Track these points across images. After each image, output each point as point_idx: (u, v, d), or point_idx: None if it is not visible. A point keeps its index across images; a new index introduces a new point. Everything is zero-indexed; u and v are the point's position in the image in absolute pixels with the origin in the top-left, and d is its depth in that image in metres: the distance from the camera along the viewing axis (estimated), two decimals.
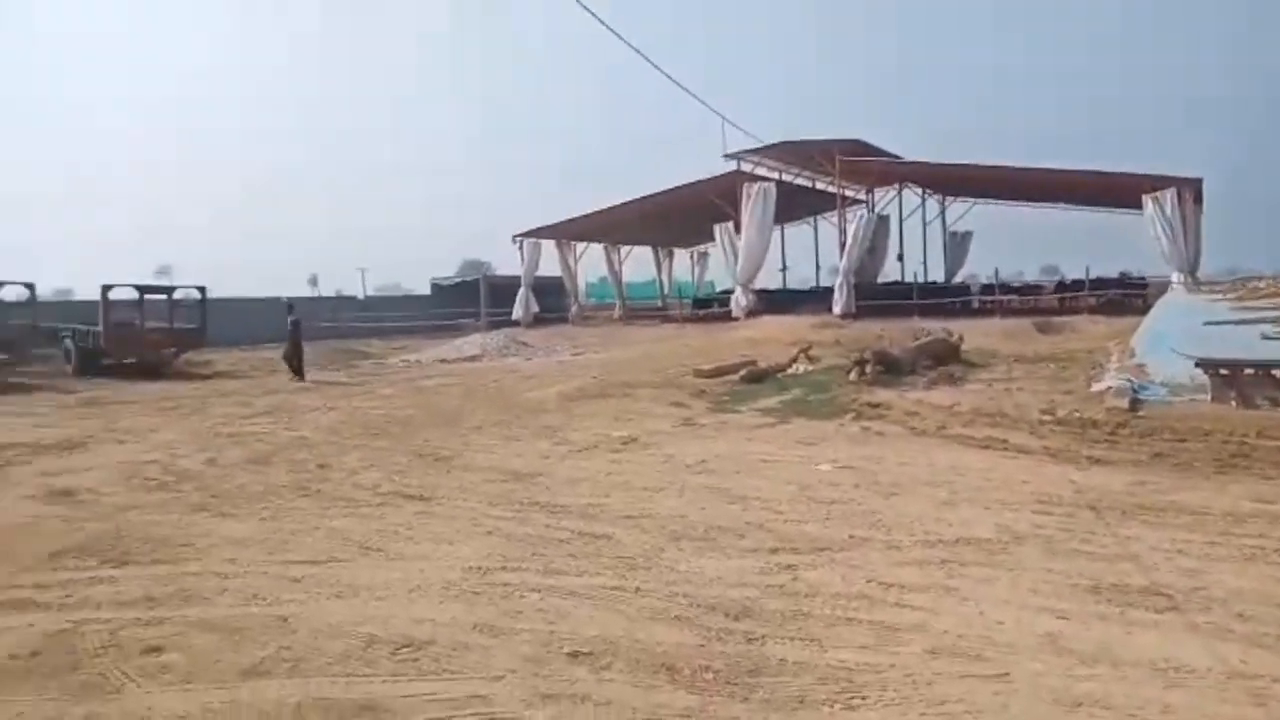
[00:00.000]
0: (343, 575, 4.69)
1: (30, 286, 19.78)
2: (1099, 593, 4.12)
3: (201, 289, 21.41)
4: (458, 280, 46.99)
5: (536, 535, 5.48)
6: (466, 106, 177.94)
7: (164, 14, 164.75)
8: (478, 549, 5.18)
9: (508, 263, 40.68)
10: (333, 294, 61.52)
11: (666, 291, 43.97)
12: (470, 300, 39.82)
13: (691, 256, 45.71)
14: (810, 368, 15.33)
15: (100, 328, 18.90)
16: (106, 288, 19.19)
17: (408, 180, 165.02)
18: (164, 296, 21.09)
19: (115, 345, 19.30)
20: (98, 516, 6.24)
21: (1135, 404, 9.30)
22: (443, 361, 21.42)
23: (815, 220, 41.42)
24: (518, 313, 35.16)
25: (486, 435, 9.69)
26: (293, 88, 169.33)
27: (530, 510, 6.15)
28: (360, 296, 52.10)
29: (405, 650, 3.67)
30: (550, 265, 37.12)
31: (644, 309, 41.14)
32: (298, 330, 17.78)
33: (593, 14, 15.04)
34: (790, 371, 15.16)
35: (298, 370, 17.49)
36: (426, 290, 46.57)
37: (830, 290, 30.84)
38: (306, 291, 66.47)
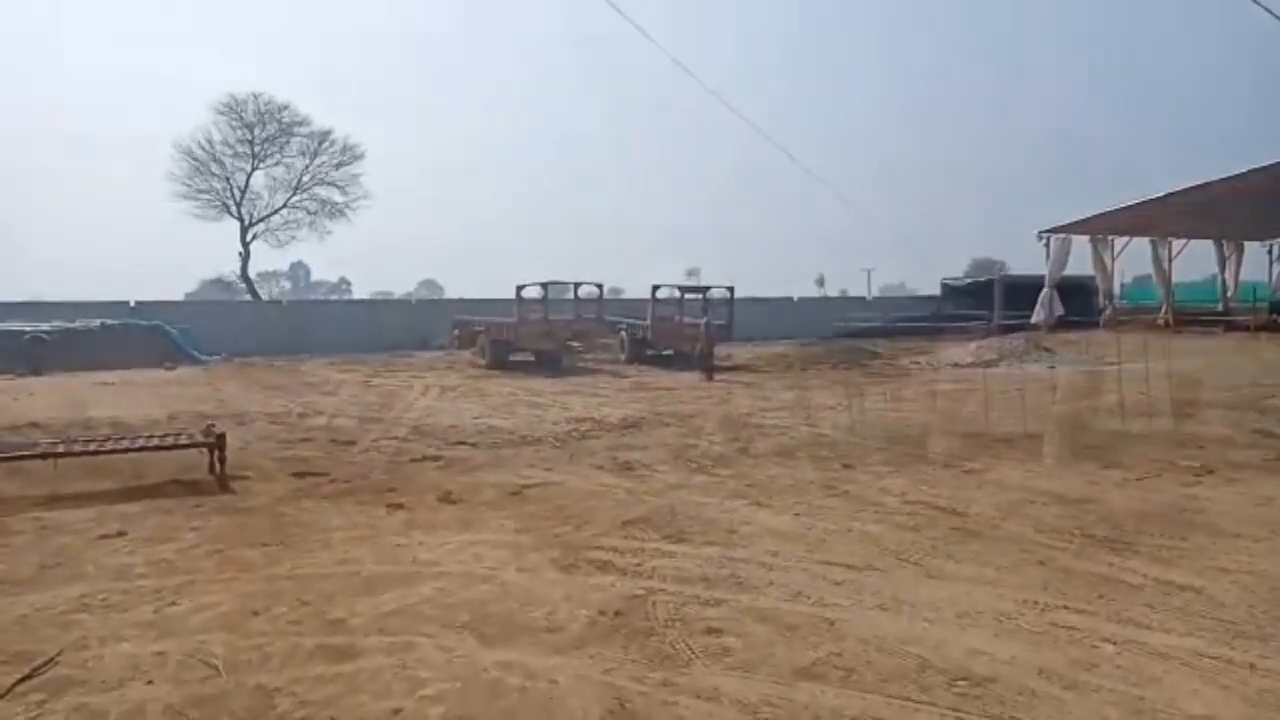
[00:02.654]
0: (883, 586, 4.53)
1: (599, 286, 23.50)
2: None
3: (730, 289, 23.42)
4: (969, 280, 44.88)
5: (1100, 574, 4.73)
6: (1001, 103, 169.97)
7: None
8: (1029, 579, 4.63)
9: (1022, 262, 37.57)
10: (838, 294, 63.54)
11: (1230, 293, 36.67)
12: (982, 302, 37.66)
13: (1270, 251, 37.47)
14: None
15: (648, 322, 21.74)
16: (655, 288, 22.06)
17: (914, 179, 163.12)
18: (699, 296, 23.47)
19: (659, 337, 22.07)
20: (654, 492, 6.98)
21: None
22: (955, 365, 20.47)
23: None
24: (1038, 315, 32.20)
25: (1018, 450, 8.85)
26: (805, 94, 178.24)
27: (1087, 543, 5.36)
28: (867, 297, 52.82)
29: (963, 683, 3.35)
30: (1076, 264, 33.41)
31: (1197, 313, 34.82)
32: (710, 331, 19.09)
33: None
34: None
35: (708, 369, 18.24)
36: (930, 291, 45.30)
37: None
38: (814, 291, 69.40)
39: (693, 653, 3.69)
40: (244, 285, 38.02)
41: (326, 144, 36.34)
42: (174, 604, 4.38)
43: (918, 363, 21.37)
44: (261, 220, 36.41)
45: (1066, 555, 5.08)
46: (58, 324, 21.92)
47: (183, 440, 8.04)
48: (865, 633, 3.87)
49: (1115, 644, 3.76)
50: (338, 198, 37.31)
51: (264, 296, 43.31)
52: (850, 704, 3.20)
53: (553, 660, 3.65)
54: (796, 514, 6.15)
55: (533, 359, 21.25)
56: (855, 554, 5.13)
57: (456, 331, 23.77)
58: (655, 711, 3.17)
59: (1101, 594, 4.40)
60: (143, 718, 3.18)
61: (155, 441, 8.00)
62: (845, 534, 5.60)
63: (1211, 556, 5.01)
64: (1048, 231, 31.92)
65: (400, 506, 6.56)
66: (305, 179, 36.53)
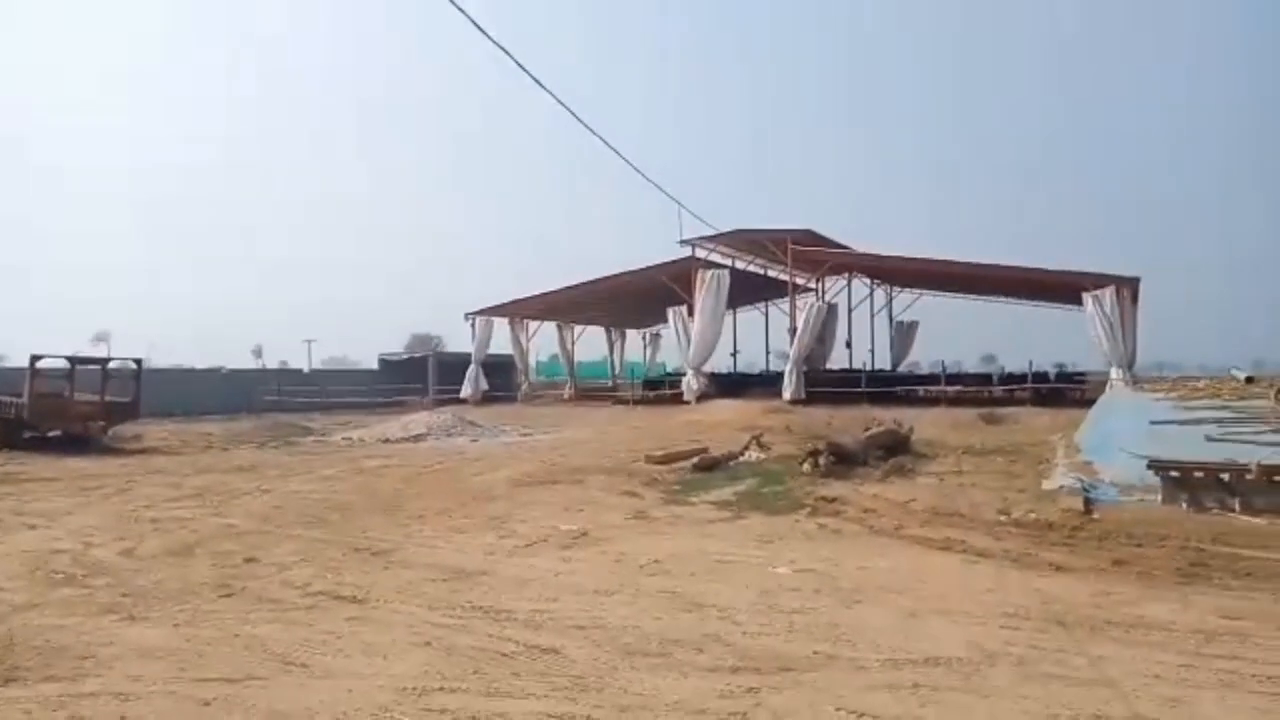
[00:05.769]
0: (260, 698, 4.23)
1: None
2: None
3: (138, 360, 20.75)
4: (406, 356, 46.39)
5: (478, 647, 5.07)
6: (421, 181, 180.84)
7: (124, 83, 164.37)
8: (414, 664, 4.75)
9: (458, 339, 40.26)
10: (277, 365, 60.50)
11: (618, 372, 43.87)
12: (419, 376, 39.23)
13: (644, 338, 45.86)
14: (763, 456, 15.15)
15: (25, 399, 18.05)
16: (35, 358, 18.46)
17: (363, 251, 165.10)
18: (96, 367, 20.27)
19: (40, 417, 18.45)
20: None
21: (1089, 505, 9.26)
22: (386, 440, 20.80)
23: (766, 306, 42.00)
24: (466, 390, 34.64)
25: (429, 525, 9.23)
26: (241, 152, 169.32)
27: (472, 616, 5.73)
28: (305, 369, 51.14)
29: None
30: (502, 343, 36.85)
31: (594, 388, 40.89)
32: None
33: (559, 100, 15.14)
34: (742, 459, 14.95)
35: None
36: (371, 365, 45.87)
37: (780, 375, 31.02)
38: (250, 363, 65.13)
39: None
40: None
41: None
42: None
43: (349, 439, 21.23)
44: None
45: (452, 632, 5.35)
46: None
47: None
48: None
49: (478, 719, 4.02)
50: None
51: None
52: None
53: None
54: (176, 625, 5.49)
55: None
56: (237, 664, 4.73)
57: None
58: None
59: (477, 668, 4.70)
60: None
61: None
62: (231, 641, 5.15)
63: (573, 618, 5.71)
64: (474, 314, 34.67)
65: None
66: None
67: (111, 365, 20.77)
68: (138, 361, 20.78)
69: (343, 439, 21.47)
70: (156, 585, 6.57)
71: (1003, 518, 9.03)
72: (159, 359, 49.72)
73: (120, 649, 4.99)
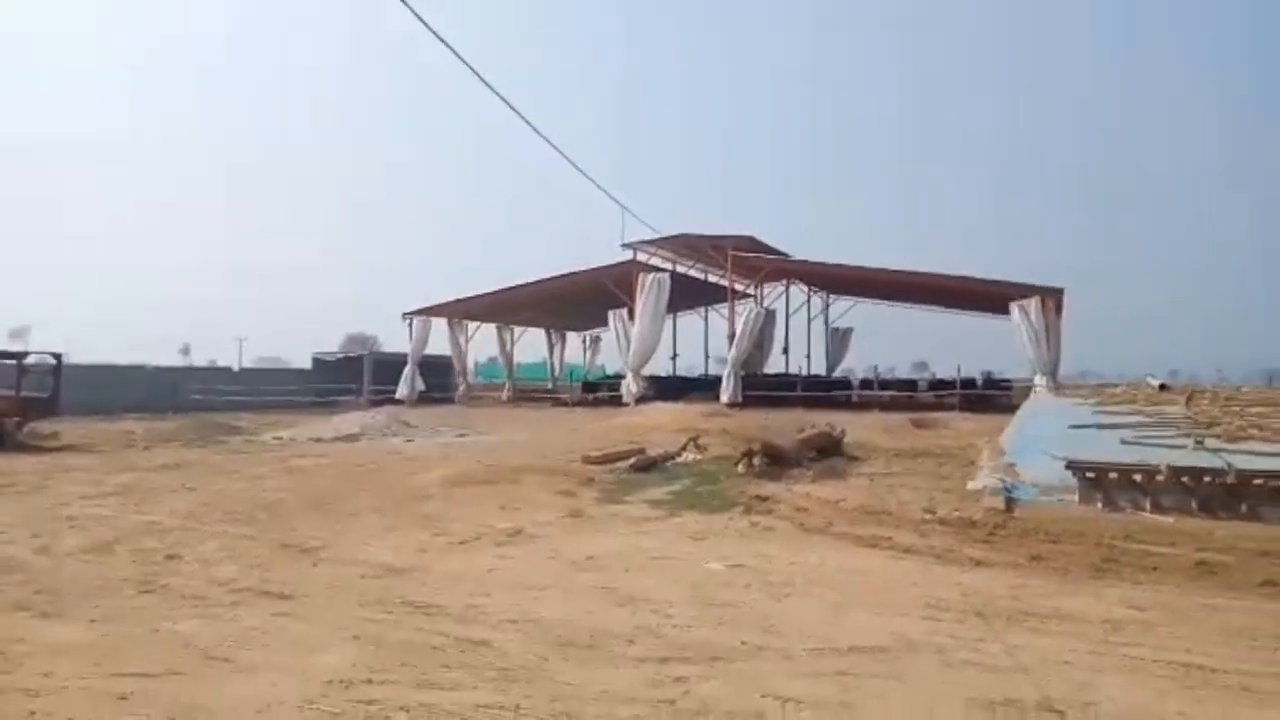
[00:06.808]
0: (180, 691, 4.14)
1: None
2: (994, 709, 4.02)
3: (57, 355, 20.01)
4: (341, 355, 45.50)
5: (408, 641, 5.03)
6: (356, 170, 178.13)
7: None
8: (342, 657, 4.70)
9: (396, 338, 39.58)
10: (206, 363, 58.78)
11: (557, 374, 43.75)
12: (354, 376, 38.53)
13: (584, 340, 45.82)
14: (699, 457, 15.28)
15: None
16: None
17: (298, 249, 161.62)
18: (12, 362, 19.45)
19: None
20: None
21: (1010, 504, 9.57)
22: (318, 440, 20.37)
23: (706, 311, 42.34)
24: (403, 391, 34.17)
25: (361, 523, 9.10)
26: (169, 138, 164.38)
27: (403, 611, 5.68)
28: (235, 368, 49.80)
29: None
30: (440, 343, 36.41)
31: (533, 390, 40.73)
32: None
33: (507, 103, 15.09)
34: (679, 460, 15.05)
35: None
36: (304, 364, 44.90)
37: (718, 379, 31.31)
38: (178, 360, 63.25)
39: None
40: None
41: None
42: None
43: (280, 438, 20.75)
44: None
45: (382, 626, 5.30)
46: None
47: None
48: None
49: (407, 710, 3.98)
50: None
51: None
52: None
53: None
54: (92, 621, 5.33)
55: None
56: (156, 659, 4.61)
57: None
58: None
59: (406, 660, 4.66)
60: None
61: None
62: (150, 637, 5.02)
63: (505, 612, 5.69)
64: (411, 313, 34.27)
65: None
66: None
67: (29, 360, 19.95)
68: (57, 356, 20.04)
69: (273, 438, 20.96)
70: (72, 582, 6.36)
71: (928, 516, 9.27)
72: (80, 354, 47.85)
73: (32, 646, 4.82)
